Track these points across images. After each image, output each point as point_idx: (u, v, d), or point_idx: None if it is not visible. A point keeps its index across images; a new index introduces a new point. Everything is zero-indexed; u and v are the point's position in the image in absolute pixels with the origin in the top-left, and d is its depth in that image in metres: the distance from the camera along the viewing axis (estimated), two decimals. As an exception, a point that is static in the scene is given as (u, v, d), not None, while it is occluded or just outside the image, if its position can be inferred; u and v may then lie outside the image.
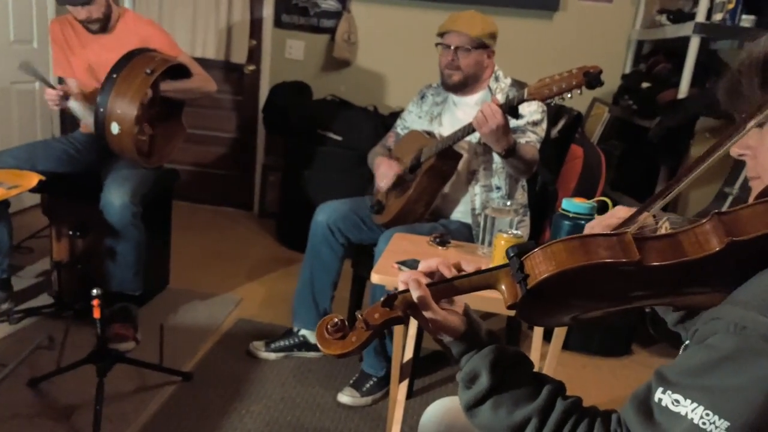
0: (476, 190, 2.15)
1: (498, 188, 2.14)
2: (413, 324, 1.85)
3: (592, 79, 1.62)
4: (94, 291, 1.73)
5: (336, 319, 0.84)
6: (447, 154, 2.08)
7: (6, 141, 3.27)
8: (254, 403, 2.06)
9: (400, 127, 2.41)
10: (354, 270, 2.45)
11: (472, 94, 2.20)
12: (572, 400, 0.81)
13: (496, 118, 1.81)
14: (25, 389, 1.97)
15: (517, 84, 2.19)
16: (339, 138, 3.40)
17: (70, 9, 2.33)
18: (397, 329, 1.75)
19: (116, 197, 2.20)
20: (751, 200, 0.84)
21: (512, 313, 0.83)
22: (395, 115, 3.44)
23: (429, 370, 2.36)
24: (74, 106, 2.32)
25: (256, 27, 3.92)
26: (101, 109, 2.18)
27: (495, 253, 1.52)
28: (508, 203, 1.81)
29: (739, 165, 2.63)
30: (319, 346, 0.84)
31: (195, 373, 2.15)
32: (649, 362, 2.58)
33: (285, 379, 2.22)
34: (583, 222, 1.36)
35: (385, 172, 2.21)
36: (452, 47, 2.10)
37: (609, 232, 0.78)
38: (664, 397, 0.70)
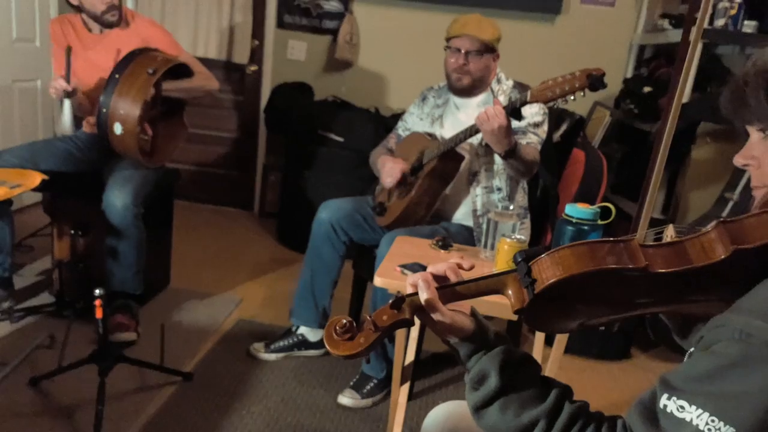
0: (477, 192, 2.15)
1: (499, 189, 2.14)
2: (415, 327, 1.85)
3: (594, 81, 1.63)
4: (97, 291, 1.73)
5: (344, 321, 0.84)
6: (449, 155, 2.08)
7: (8, 139, 3.28)
8: (254, 403, 2.06)
9: (402, 129, 2.41)
10: (355, 271, 2.45)
11: (475, 96, 2.21)
12: (579, 404, 0.81)
13: (498, 118, 1.82)
14: (26, 388, 1.98)
15: (520, 86, 2.20)
16: (340, 139, 3.41)
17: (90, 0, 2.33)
18: (399, 332, 1.76)
19: (118, 198, 2.20)
20: (755, 209, 0.85)
21: (518, 317, 0.84)
22: (396, 116, 3.45)
23: (429, 373, 2.36)
24: (66, 106, 2.32)
25: (258, 27, 3.92)
26: (104, 110, 2.18)
27: (498, 258, 1.53)
28: (511, 207, 1.81)
29: (740, 170, 2.63)
30: (327, 347, 0.84)
31: (195, 374, 2.15)
32: (649, 366, 2.59)
33: (285, 380, 2.22)
34: (586, 227, 1.37)
35: (390, 169, 2.21)
36: (463, 51, 2.10)
37: (616, 239, 0.78)
38: (669, 404, 0.70)
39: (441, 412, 1.15)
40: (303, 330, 2.35)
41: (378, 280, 1.54)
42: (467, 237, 2.12)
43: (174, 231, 2.87)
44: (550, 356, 1.74)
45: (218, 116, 4.11)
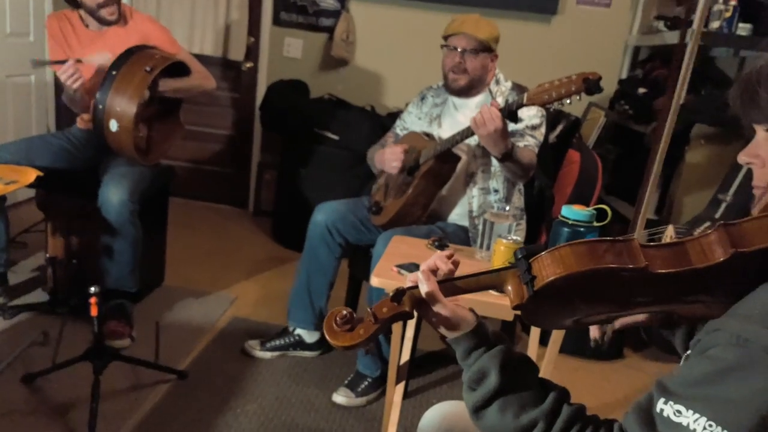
0: (474, 193, 2.16)
1: (496, 191, 2.15)
2: (410, 326, 1.86)
3: (591, 85, 1.63)
4: (92, 289, 1.72)
5: (344, 312, 0.85)
6: (446, 156, 2.08)
7: (1, 135, 3.26)
8: (249, 402, 2.06)
9: (400, 128, 2.42)
10: (350, 270, 2.45)
11: (473, 97, 2.21)
12: (577, 407, 0.82)
13: (494, 121, 1.82)
14: (20, 386, 1.97)
15: (518, 87, 2.20)
16: (336, 137, 3.41)
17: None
18: (395, 332, 1.76)
19: (114, 195, 2.20)
20: (755, 211, 0.85)
21: (517, 313, 0.85)
22: (393, 115, 3.45)
23: (424, 372, 2.37)
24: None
25: (254, 24, 3.91)
26: (100, 106, 2.17)
27: (494, 258, 1.54)
28: (507, 208, 1.82)
29: (733, 171, 2.65)
30: (327, 337, 0.85)
31: (190, 372, 2.15)
32: (641, 366, 2.60)
33: (280, 379, 2.22)
34: (582, 229, 1.38)
35: (391, 155, 2.20)
36: (459, 50, 2.11)
37: (616, 238, 0.79)
38: (666, 408, 0.70)
39: (437, 412, 1.16)
40: (300, 331, 2.35)
41: (375, 280, 1.54)
42: (463, 237, 2.13)
43: (168, 228, 2.86)
44: (545, 356, 1.75)
45: (213, 113, 4.10)
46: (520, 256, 0.81)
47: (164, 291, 2.79)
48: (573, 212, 1.41)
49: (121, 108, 2.16)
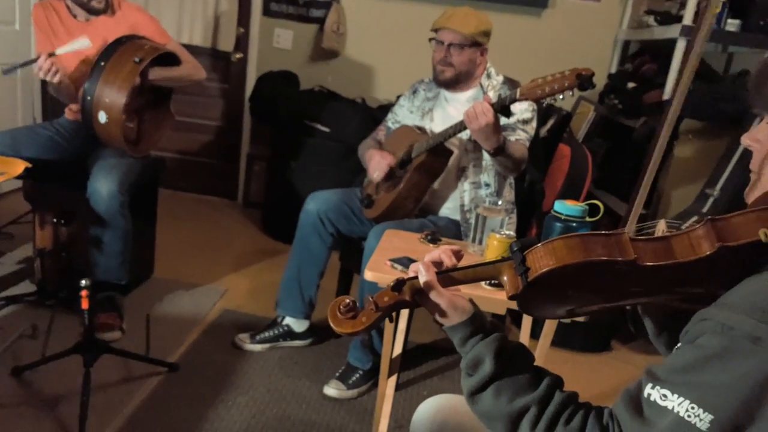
0: (465, 187, 2.17)
1: (487, 185, 2.16)
2: (403, 319, 1.87)
3: (584, 81, 1.64)
4: (83, 282, 1.71)
5: (348, 300, 0.89)
6: (438, 150, 2.09)
7: (-13, 125, 3.22)
8: (240, 394, 2.06)
9: (391, 121, 2.42)
10: (341, 263, 2.46)
11: (464, 91, 2.22)
12: (569, 393, 0.85)
13: (486, 116, 1.83)
14: (9, 378, 1.96)
15: (509, 82, 2.21)
16: (326, 129, 3.40)
17: None
18: (388, 325, 1.77)
19: (104, 186, 2.18)
20: (749, 198, 0.88)
21: (512, 303, 0.88)
22: (383, 107, 3.45)
23: (415, 364, 2.39)
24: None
25: (244, 15, 3.88)
26: (88, 98, 2.15)
27: (487, 253, 1.55)
28: (499, 203, 1.83)
29: (720, 166, 2.68)
30: (331, 324, 0.89)
31: (181, 364, 2.15)
32: (628, 358, 2.64)
33: (271, 371, 2.22)
34: (574, 224, 1.39)
35: (377, 163, 2.22)
36: (445, 44, 2.11)
37: (608, 232, 0.82)
38: (653, 393, 0.74)
39: (431, 405, 1.17)
40: (288, 321, 2.36)
41: (368, 274, 1.55)
42: (455, 231, 2.14)
43: (158, 220, 2.84)
44: (536, 349, 1.77)
45: (202, 104, 4.07)
46: (515, 249, 0.85)
47: (154, 283, 2.77)
48: (565, 207, 1.42)
49: (110, 99, 2.14)
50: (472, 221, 2.05)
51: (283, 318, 2.37)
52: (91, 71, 2.15)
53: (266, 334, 2.36)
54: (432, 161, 2.10)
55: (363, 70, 3.90)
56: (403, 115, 2.37)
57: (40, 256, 2.43)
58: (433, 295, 0.89)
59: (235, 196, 4.21)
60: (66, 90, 2.35)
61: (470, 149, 2.14)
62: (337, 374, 2.17)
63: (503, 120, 1.95)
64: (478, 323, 0.90)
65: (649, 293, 0.89)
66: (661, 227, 0.93)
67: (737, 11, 2.77)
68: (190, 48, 2.69)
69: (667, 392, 0.72)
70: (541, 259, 0.81)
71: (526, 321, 1.85)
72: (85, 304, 1.74)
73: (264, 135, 3.90)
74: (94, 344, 1.87)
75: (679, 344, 0.79)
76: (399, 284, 0.90)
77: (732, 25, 2.78)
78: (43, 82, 3.54)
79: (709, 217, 0.79)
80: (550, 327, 1.61)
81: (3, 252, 2.84)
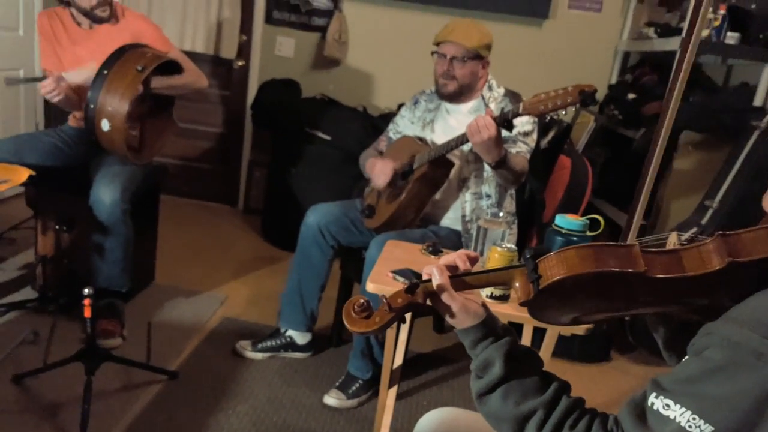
0: (466, 197, 2.18)
1: (488, 196, 2.17)
2: (404, 330, 1.88)
3: (586, 97, 1.65)
4: (87, 290, 1.72)
5: (362, 300, 0.91)
6: (439, 162, 2.10)
7: (-11, 131, 3.23)
8: (240, 403, 2.07)
9: (393, 132, 2.43)
10: (342, 272, 2.47)
11: (466, 103, 2.23)
12: (576, 399, 0.86)
13: (488, 129, 1.84)
14: (10, 385, 1.96)
15: (511, 94, 2.22)
16: (327, 137, 3.41)
17: None
18: (389, 335, 1.78)
19: (106, 194, 2.19)
20: (765, 200, 0.90)
21: (513, 316, 0.89)
22: (384, 116, 3.46)
23: (414, 373, 2.39)
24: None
25: (246, 22, 3.90)
26: (91, 106, 2.16)
27: (488, 265, 1.55)
28: (500, 215, 1.84)
29: (719, 178, 2.69)
30: (345, 322, 0.91)
31: (181, 372, 2.16)
32: (628, 368, 2.64)
33: (271, 380, 2.23)
34: (575, 238, 1.40)
35: (381, 169, 2.22)
36: (448, 57, 2.12)
37: (619, 243, 0.84)
38: (657, 402, 0.75)
39: (433, 418, 1.17)
40: (291, 333, 2.36)
41: (370, 286, 1.55)
42: (456, 241, 2.15)
43: (158, 226, 2.85)
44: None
45: (204, 111, 4.08)
46: (528, 256, 0.87)
47: (155, 290, 2.78)
48: (566, 221, 1.44)
49: (113, 107, 2.15)
50: (474, 232, 2.07)
51: (286, 330, 2.37)
52: (94, 79, 2.16)
53: (268, 343, 2.36)
54: (433, 172, 2.11)
55: (364, 79, 3.91)
56: (405, 125, 2.38)
57: (42, 262, 2.44)
58: (446, 298, 0.91)
59: (236, 203, 4.22)
60: (68, 98, 2.36)
61: (472, 160, 2.16)
62: (337, 383, 2.17)
63: (504, 132, 1.97)
64: (490, 327, 0.92)
65: (657, 305, 0.91)
66: (672, 240, 0.95)
67: (737, 24, 2.79)
68: (193, 55, 2.71)
69: (671, 402, 0.74)
70: (554, 268, 0.83)
71: (527, 329, 1.86)
72: (87, 313, 1.75)
73: (265, 142, 3.91)
74: (95, 352, 1.87)
75: (686, 356, 0.81)
76: (412, 287, 0.91)
77: (731, 38, 2.80)
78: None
79: (720, 232, 0.81)
80: (551, 339, 1.62)
81: (4, 258, 2.85)
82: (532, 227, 2.41)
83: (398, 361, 1.83)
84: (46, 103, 3.69)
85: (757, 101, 2.90)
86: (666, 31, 3.13)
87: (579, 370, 2.57)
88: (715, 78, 3.31)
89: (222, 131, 4.17)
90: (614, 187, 3.29)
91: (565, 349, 2.59)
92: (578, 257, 0.81)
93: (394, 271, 1.59)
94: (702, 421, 0.71)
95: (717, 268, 0.78)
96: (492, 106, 2.13)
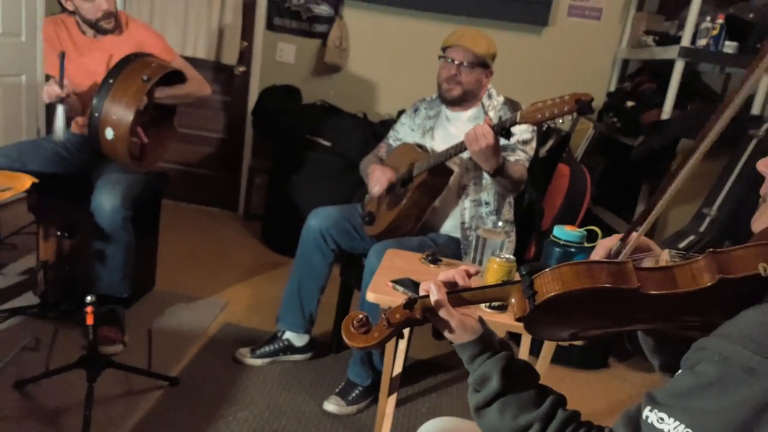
0: (466, 204, 2.19)
1: (487, 203, 2.19)
2: (403, 339, 1.89)
3: (583, 106, 1.67)
4: (89, 298, 1.73)
5: (361, 316, 0.93)
6: (439, 169, 2.12)
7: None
8: (241, 409, 2.08)
9: (393, 139, 2.45)
10: (342, 278, 2.48)
11: (466, 110, 2.25)
12: (571, 412, 0.88)
13: (486, 138, 1.86)
14: (12, 391, 1.97)
15: (510, 102, 2.24)
16: (328, 144, 3.43)
17: (85, 7, 2.31)
18: (389, 344, 1.79)
19: (107, 201, 2.20)
20: (755, 226, 0.91)
21: (512, 326, 0.90)
22: (385, 123, 3.48)
23: (414, 380, 2.40)
24: (60, 112, 2.29)
25: (247, 28, 3.92)
26: (96, 114, 2.18)
27: (487, 276, 1.57)
28: (500, 224, 1.86)
29: (717, 186, 2.71)
30: (344, 338, 0.93)
31: (182, 378, 2.17)
32: (626, 375, 2.65)
33: (271, 386, 2.24)
34: (573, 250, 1.42)
35: (378, 178, 2.24)
36: (456, 62, 2.14)
37: (612, 260, 0.86)
38: (651, 415, 0.77)
39: (433, 428, 1.19)
40: (289, 335, 2.38)
41: (370, 296, 1.57)
42: (455, 249, 2.16)
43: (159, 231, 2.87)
44: (536, 366, 1.79)
45: (205, 116, 4.10)
46: (524, 273, 0.88)
47: (155, 296, 2.79)
48: (564, 233, 1.45)
49: (118, 116, 2.17)
50: (473, 239, 2.08)
51: (284, 332, 2.39)
52: (99, 88, 2.18)
53: (266, 348, 2.37)
54: (433, 180, 2.13)
55: (365, 85, 3.93)
56: (404, 132, 2.40)
57: (44, 268, 2.45)
58: (443, 314, 0.93)
59: (236, 208, 4.24)
60: (72, 105, 2.38)
61: (471, 168, 2.17)
62: (337, 390, 2.19)
63: (503, 141, 1.99)
64: (487, 342, 0.94)
65: (651, 320, 0.92)
66: (664, 257, 0.96)
67: (735, 34, 2.82)
68: (194, 61, 2.72)
69: (664, 415, 0.75)
70: (549, 284, 0.84)
71: (525, 339, 1.88)
72: (90, 320, 1.76)
73: (265, 148, 3.93)
74: (97, 359, 1.89)
75: (680, 370, 0.82)
76: (410, 303, 0.93)
77: (729, 47, 2.82)
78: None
79: (711, 249, 0.82)
80: (548, 348, 1.63)
81: (5, 263, 2.86)
82: (530, 235, 2.42)
83: (398, 368, 1.84)
84: (48, 108, 3.71)
85: (755, 110, 2.93)
86: (664, 39, 3.15)
87: (577, 376, 2.58)
88: (713, 86, 3.33)
89: (223, 137, 4.19)
90: (613, 194, 3.31)
91: (564, 356, 2.60)
92: (572, 273, 0.83)
93: (393, 281, 1.61)
94: None
95: (708, 284, 0.80)
96: (491, 114, 2.15)
